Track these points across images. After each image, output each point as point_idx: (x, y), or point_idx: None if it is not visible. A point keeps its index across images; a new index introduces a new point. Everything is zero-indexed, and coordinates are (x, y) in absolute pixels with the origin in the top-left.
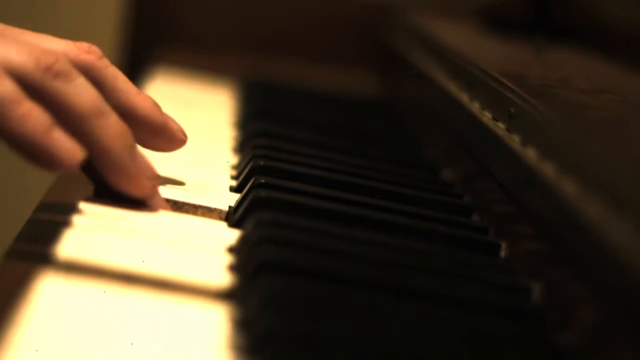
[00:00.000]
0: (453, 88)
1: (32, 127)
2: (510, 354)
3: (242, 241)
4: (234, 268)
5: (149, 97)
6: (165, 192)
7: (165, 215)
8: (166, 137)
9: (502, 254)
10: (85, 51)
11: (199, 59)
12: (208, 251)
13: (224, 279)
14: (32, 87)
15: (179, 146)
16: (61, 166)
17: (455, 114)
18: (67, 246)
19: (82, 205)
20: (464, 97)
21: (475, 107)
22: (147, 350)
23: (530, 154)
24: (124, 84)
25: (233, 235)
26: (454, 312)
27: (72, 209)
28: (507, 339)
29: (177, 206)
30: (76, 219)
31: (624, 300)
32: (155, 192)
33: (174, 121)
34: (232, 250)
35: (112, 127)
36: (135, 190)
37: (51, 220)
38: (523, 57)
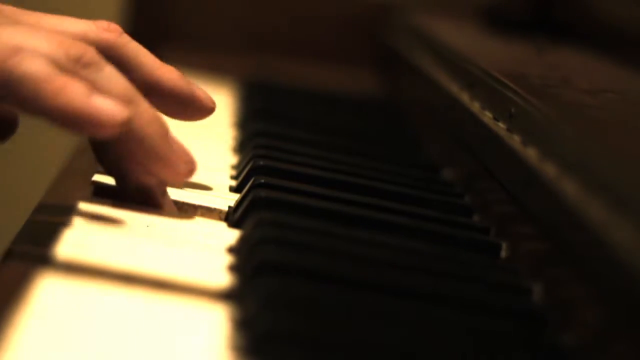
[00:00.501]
0: (453, 88)
1: (70, 98)
2: (511, 354)
3: (242, 241)
4: (234, 268)
5: (174, 69)
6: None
7: (164, 215)
8: (195, 107)
9: (503, 254)
10: (104, 29)
11: (199, 58)
12: (208, 251)
13: (223, 279)
14: None
15: (208, 114)
16: (107, 128)
17: (455, 114)
18: (66, 246)
19: (81, 206)
20: (465, 97)
21: (475, 106)
22: (147, 350)
23: (531, 154)
24: (147, 58)
25: (233, 235)
26: (454, 312)
27: (72, 209)
28: (508, 340)
29: (176, 206)
30: (75, 219)
31: (625, 301)
32: (165, 193)
33: (201, 90)
34: (231, 250)
35: (144, 114)
36: (173, 176)
37: (50, 220)
38: (524, 57)
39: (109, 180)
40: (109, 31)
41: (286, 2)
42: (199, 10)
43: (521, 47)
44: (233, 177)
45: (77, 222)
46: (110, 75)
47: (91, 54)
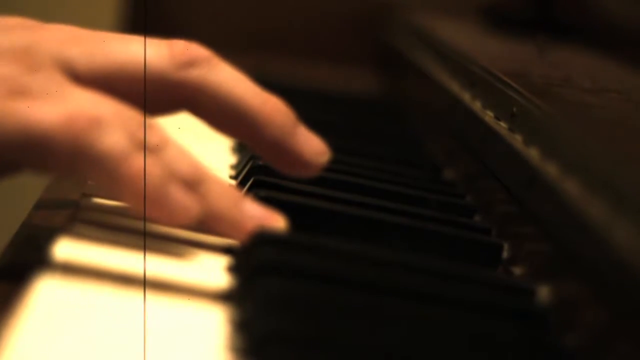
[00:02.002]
0: (455, 87)
1: (147, 186)
2: (513, 355)
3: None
4: (233, 269)
5: (279, 106)
6: None
7: None
8: (294, 162)
9: (505, 254)
10: (183, 60)
11: None
12: (206, 252)
13: (222, 280)
14: None
15: (312, 172)
16: (177, 220)
17: (456, 113)
18: (64, 247)
19: (79, 206)
20: (466, 96)
21: (477, 106)
22: (145, 351)
23: (533, 154)
24: (243, 93)
25: None
26: (455, 313)
27: (69, 209)
28: (510, 341)
29: None
30: (73, 219)
31: (628, 301)
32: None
33: (310, 140)
34: (230, 250)
35: (212, 192)
36: (240, 237)
37: (48, 220)
38: (525, 56)
39: None
40: (189, 63)
41: (286, 1)
42: (198, 9)
43: (523, 46)
44: (232, 177)
45: (75, 223)
46: (176, 155)
47: (156, 135)
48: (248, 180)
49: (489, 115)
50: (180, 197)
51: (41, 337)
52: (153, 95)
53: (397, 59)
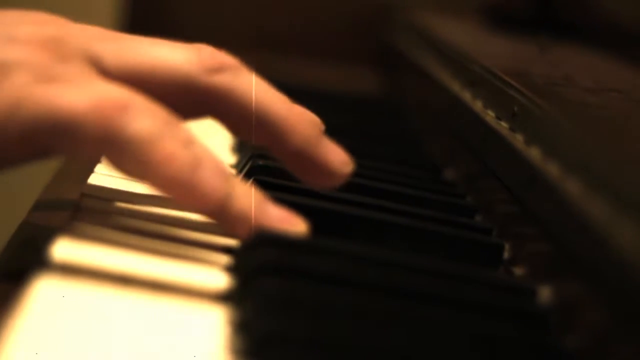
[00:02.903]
0: (455, 86)
1: (176, 169)
2: (513, 356)
3: (241, 242)
4: (232, 269)
5: (305, 115)
6: None
7: (162, 215)
8: (321, 171)
9: (506, 255)
10: (211, 65)
11: None
12: (206, 252)
13: (222, 280)
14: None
15: (337, 182)
16: (207, 204)
17: (457, 113)
18: (63, 247)
19: (79, 205)
20: (467, 96)
21: (478, 105)
22: (144, 352)
23: (534, 153)
24: (269, 103)
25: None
26: (456, 314)
27: (68, 209)
28: (511, 341)
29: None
30: (71, 220)
31: (629, 302)
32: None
33: (335, 150)
34: (230, 251)
35: (241, 190)
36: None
37: (47, 220)
38: (527, 55)
39: (106, 181)
40: (217, 68)
41: (287, 1)
42: (199, 8)
43: (524, 46)
44: None
45: (73, 223)
46: (202, 151)
47: (184, 130)
48: (248, 180)
49: (489, 115)
50: (210, 179)
51: (40, 337)
52: (179, 98)
53: (397, 59)
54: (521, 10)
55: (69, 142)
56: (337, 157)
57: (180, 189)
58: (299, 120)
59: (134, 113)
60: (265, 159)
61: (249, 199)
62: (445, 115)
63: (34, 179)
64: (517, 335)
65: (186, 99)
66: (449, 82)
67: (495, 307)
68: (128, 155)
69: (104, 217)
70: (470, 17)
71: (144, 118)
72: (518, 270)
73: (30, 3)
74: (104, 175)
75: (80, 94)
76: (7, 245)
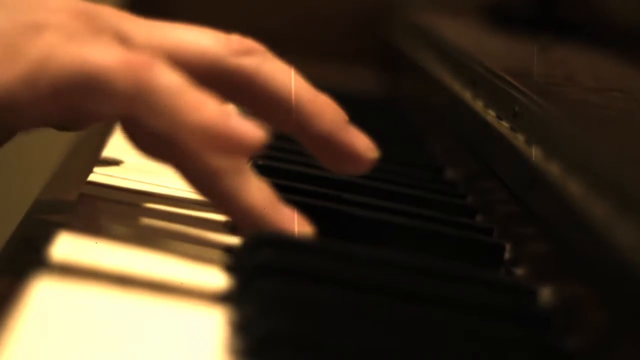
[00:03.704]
0: (456, 86)
1: (208, 115)
2: (514, 357)
3: (241, 242)
4: (232, 269)
5: (330, 104)
6: (162, 189)
7: (161, 214)
8: (348, 158)
9: (507, 255)
10: (238, 49)
11: None
12: (205, 252)
13: (221, 280)
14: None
15: (363, 168)
16: (245, 148)
17: (458, 112)
18: (62, 247)
19: (77, 205)
20: (467, 95)
21: (478, 105)
22: (142, 354)
23: (535, 153)
24: (297, 89)
25: (231, 236)
26: (457, 315)
27: (67, 209)
28: (512, 343)
29: (174, 205)
30: (70, 219)
31: (631, 303)
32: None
33: (360, 137)
34: (230, 251)
35: (255, 184)
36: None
37: (45, 220)
38: (528, 54)
39: (105, 181)
40: (244, 52)
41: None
42: (198, 7)
43: (525, 45)
44: None
45: (72, 223)
46: (230, 109)
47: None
48: None
49: (490, 115)
50: (243, 125)
51: (39, 338)
52: (206, 80)
53: (398, 58)
54: (522, 9)
55: (99, 97)
56: (362, 143)
57: (213, 133)
58: (326, 105)
59: (162, 69)
60: (266, 159)
61: (265, 194)
62: (445, 115)
63: (33, 179)
64: (518, 336)
65: (213, 81)
66: (449, 81)
67: (495, 308)
68: (158, 105)
69: (102, 217)
70: (470, 16)
71: (172, 74)
72: (519, 271)
73: None
74: (103, 175)
75: (111, 53)
76: (7, 245)
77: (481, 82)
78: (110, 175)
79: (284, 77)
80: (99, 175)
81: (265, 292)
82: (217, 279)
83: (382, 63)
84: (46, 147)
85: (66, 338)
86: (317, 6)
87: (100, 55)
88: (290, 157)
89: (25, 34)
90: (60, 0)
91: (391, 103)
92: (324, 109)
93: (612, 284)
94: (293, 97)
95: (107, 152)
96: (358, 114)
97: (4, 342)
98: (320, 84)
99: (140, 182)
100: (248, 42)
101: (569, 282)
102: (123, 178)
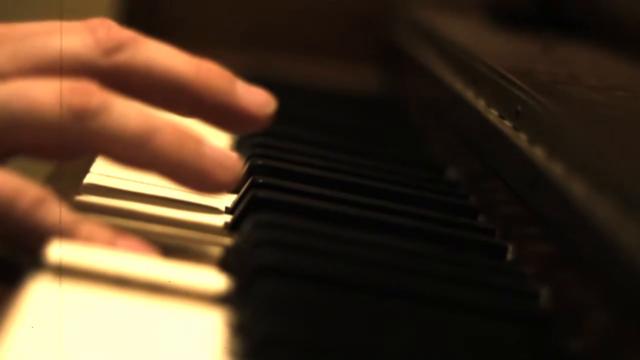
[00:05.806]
0: (458, 85)
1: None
2: (516, 358)
3: (239, 243)
4: (231, 271)
5: (211, 67)
6: (161, 190)
7: (158, 215)
8: (239, 118)
9: (509, 256)
10: (109, 46)
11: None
12: (204, 253)
13: (220, 282)
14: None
15: (259, 126)
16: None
17: (460, 112)
18: (58, 248)
19: (75, 206)
20: (470, 94)
21: (480, 104)
22: (140, 356)
23: (538, 153)
24: (170, 66)
25: (230, 237)
26: (458, 316)
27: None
28: (514, 344)
29: (172, 205)
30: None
31: (634, 304)
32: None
33: (252, 94)
34: (229, 252)
35: (167, 137)
36: (212, 188)
37: None
38: (530, 53)
39: (102, 182)
40: (115, 48)
41: None
42: (198, 5)
43: (528, 43)
44: None
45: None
46: (122, 111)
47: (96, 99)
48: (247, 180)
49: (492, 114)
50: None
51: (34, 339)
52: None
53: (399, 56)
54: (525, 8)
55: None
56: (256, 100)
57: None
58: (209, 75)
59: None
60: (265, 158)
61: (186, 145)
62: (447, 114)
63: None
64: (520, 338)
65: (100, 82)
66: (451, 80)
67: (497, 309)
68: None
69: (99, 217)
70: (473, 14)
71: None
72: (521, 272)
73: (24, 4)
74: (100, 175)
75: None
76: (2, 246)
77: (483, 80)
78: (107, 176)
79: (160, 60)
80: (96, 175)
81: (264, 294)
82: (215, 280)
83: (384, 62)
84: None
85: (64, 339)
86: (318, 4)
87: None
88: (289, 157)
89: None
90: None
91: (392, 102)
92: (208, 79)
93: (615, 285)
94: (176, 78)
95: None
96: (359, 113)
97: (0, 343)
98: (321, 82)
99: (137, 183)
100: (115, 34)
101: (571, 283)
102: (120, 179)
